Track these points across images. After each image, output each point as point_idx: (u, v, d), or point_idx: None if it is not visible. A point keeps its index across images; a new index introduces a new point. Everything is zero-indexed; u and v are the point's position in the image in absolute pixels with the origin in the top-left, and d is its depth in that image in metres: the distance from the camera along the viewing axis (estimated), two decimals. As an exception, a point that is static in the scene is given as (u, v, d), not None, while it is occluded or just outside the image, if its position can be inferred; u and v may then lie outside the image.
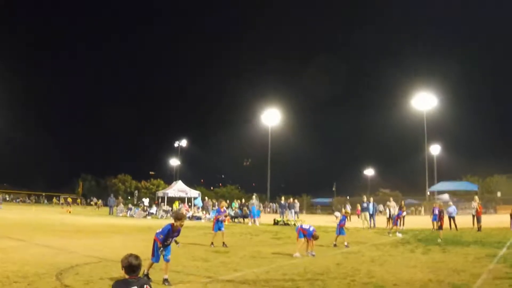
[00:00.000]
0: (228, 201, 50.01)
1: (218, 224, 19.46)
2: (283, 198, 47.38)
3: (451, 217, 32.01)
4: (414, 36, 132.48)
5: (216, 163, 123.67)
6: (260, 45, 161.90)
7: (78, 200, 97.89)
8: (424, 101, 63.47)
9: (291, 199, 47.04)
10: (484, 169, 76.72)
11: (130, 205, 54.81)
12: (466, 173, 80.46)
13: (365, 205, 36.05)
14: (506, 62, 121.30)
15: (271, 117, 68.67)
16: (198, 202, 52.47)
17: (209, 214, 44.41)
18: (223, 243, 18.65)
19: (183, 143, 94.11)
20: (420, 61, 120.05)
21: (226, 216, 40.11)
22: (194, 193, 56.05)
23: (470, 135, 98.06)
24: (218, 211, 20.43)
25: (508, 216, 30.32)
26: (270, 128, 68.28)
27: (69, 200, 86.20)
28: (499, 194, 62.84)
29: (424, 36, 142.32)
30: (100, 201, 79.61)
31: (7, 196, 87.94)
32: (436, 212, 31.65)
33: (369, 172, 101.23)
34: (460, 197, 64.54)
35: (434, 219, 30.94)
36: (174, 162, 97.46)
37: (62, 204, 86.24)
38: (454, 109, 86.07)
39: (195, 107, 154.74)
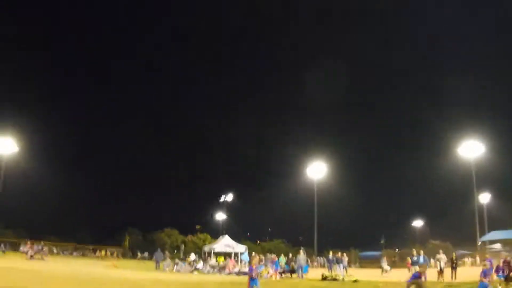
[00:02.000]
0: (274, 256, 49.61)
1: (251, 283, 18.80)
2: (330, 252, 46.70)
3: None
4: (457, 85, 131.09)
5: (261, 217, 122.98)
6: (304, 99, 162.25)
7: (121, 254, 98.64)
8: (471, 149, 62.37)
9: (339, 253, 46.39)
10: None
11: (177, 260, 54.71)
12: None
13: (415, 258, 35.20)
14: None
15: (317, 170, 68.51)
16: (245, 257, 52.16)
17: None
18: None
19: (229, 197, 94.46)
20: (465, 110, 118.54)
21: (268, 272, 39.97)
22: (240, 247, 55.85)
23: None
24: (250, 269, 19.93)
25: None
26: (316, 181, 68.07)
27: (115, 253, 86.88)
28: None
29: (468, 84, 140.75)
30: (146, 254, 79.62)
31: (54, 248, 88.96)
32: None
33: (418, 223, 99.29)
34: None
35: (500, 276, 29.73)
36: (220, 216, 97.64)
37: (107, 256, 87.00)
38: (502, 156, 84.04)
39: (240, 161, 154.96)
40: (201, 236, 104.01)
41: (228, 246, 55.30)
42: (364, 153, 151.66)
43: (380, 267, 49.28)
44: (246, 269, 46.05)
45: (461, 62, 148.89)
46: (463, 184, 71.68)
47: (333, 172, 76.27)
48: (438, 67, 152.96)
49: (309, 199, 69.59)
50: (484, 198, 77.54)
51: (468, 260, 65.18)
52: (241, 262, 52.22)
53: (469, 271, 43.46)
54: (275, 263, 42.46)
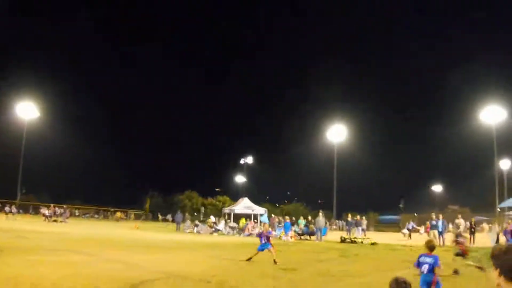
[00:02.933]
0: (294, 218, 50.02)
1: (259, 247, 19.29)
2: (349, 215, 46.91)
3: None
4: (481, 46, 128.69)
5: (281, 180, 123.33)
6: (328, 63, 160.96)
7: (143, 216, 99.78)
8: (493, 114, 61.48)
9: (358, 217, 46.61)
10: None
11: (196, 222, 55.28)
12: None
13: (434, 222, 35.25)
14: None
15: (337, 133, 68.41)
16: (265, 219, 52.50)
17: (275, 231, 44.44)
18: (274, 260, 18.50)
19: (249, 160, 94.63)
20: (488, 72, 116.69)
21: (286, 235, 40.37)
22: (260, 210, 56.19)
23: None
24: (258, 235, 20.42)
25: None
26: (336, 144, 68.05)
27: (132, 216, 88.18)
28: None
29: (493, 45, 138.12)
30: (169, 217, 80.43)
31: (76, 211, 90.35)
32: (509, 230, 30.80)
33: (437, 188, 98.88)
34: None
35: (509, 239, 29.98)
36: (240, 179, 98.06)
37: (125, 218, 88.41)
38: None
39: (260, 124, 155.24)
40: (221, 198, 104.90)
41: (248, 208, 55.61)
42: (384, 117, 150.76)
43: (400, 230, 49.54)
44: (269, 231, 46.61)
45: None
46: (484, 150, 71.24)
47: (354, 136, 76.18)
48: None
49: (329, 162, 69.74)
50: (505, 164, 76.75)
51: (486, 226, 65.02)
52: (260, 223, 52.63)
53: (486, 236, 43.48)
54: (286, 225, 42.71)
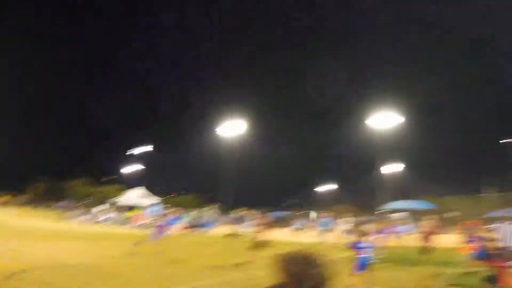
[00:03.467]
0: (175, 209, 49.95)
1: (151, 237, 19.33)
2: (238, 210, 47.33)
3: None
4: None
5: (178, 171, 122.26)
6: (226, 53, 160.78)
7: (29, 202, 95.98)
8: (386, 120, 64.08)
9: (246, 212, 47.09)
10: (442, 189, 77.85)
11: (84, 210, 53.83)
12: (422, 192, 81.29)
13: (322, 220, 36.18)
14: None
15: (234, 127, 68.49)
16: (157, 210, 52.04)
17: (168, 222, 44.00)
18: None
19: (146, 148, 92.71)
20: (385, 81, 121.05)
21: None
22: (153, 200, 55.54)
23: (430, 155, 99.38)
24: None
25: (461, 236, 30.50)
26: (231, 138, 68.27)
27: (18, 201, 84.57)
28: (456, 213, 64.08)
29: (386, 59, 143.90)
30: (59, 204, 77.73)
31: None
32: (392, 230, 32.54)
33: (328, 187, 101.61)
34: (418, 216, 65.34)
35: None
36: (135, 167, 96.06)
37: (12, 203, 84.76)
38: (417, 128, 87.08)
39: (161, 112, 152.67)
40: (114, 186, 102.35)
41: (142, 197, 54.83)
42: (280, 114, 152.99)
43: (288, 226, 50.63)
44: (157, 222, 46.17)
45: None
46: (374, 152, 73.82)
47: (251, 131, 76.74)
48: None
49: (226, 155, 69.91)
50: (394, 168, 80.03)
51: (370, 226, 67.65)
52: (153, 214, 51.99)
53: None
54: (177, 218, 42.54)
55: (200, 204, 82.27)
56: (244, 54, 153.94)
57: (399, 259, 22.60)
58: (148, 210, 52.21)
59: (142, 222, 43.62)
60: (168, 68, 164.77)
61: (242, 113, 73.60)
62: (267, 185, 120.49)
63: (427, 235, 31.40)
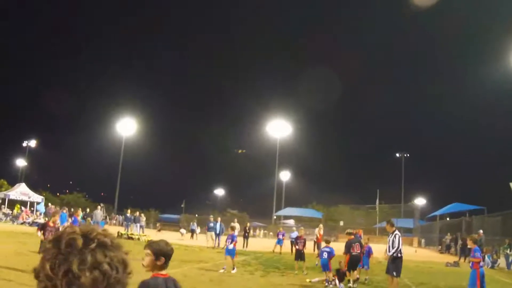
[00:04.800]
0: (72, 210, 48.14)
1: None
2: (129, 211, 46.39)
3: (293, 242, 32.90)
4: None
5: (65, 168, 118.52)
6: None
7: None
8: (278, 128, 65.09)
9: (138, 213, 46.13)
10: (329, 199, 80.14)
11: None
12: (313, 201, 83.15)
13: (211, 224, 35.93)
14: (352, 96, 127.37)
15: (126, 126, 66.93)
16: (41, 207, 49.97)
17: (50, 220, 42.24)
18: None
19: (32, 143, 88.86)
20: (275, 92, 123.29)
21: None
22: (37, 197, 53.32)
23: (318, 165, 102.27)
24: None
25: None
26: (124, 137, 66.71)
27: None
28: (341, 223, 65.99)
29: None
30: None
31: None
32: (281, 236, 33.01)
33: (219, 192, 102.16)
34: (305, 223, 66.80)
35: (278, 243, 32.28)
36: (20, 162, 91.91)
37: None
38: (306, 138, 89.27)
39: (47, 106, 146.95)
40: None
41: (25, 194, 52.39)
42: (176, 115, 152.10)
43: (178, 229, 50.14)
44: (41, 220, 44.15)
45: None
46: (267, 160, 74.89)
47: (144, 131, 75.61)
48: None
49: (117, 156, 68.35)
50: (285, 176, 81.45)
51: (261, 232, 68.56)
52: (36, 212, 49.87)
53: (260, 242, 45.81)
54: (62, 216, 40.94)
55: (89, 203, 79.98)
56: (138, 54, 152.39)
57: (292, 264, 22.68)
58: (38, 207, 50.08)
59: (29, 219, 41.74)
60: (56, 62, 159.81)
61: (138, 113, 72.39)
62: (163, 187, 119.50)
63: (317, 242, 32.06)
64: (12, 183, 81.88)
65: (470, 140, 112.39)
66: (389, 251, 14.40)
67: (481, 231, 33.29)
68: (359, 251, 16.39)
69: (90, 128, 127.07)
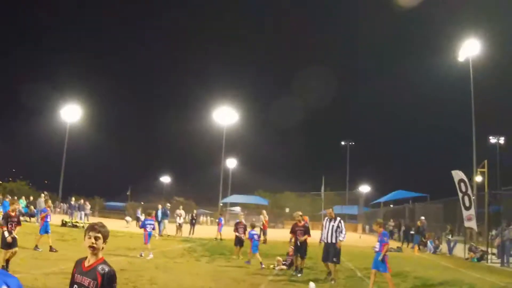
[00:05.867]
0: (16, 198, 47.09)
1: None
2: (73, 198, 45.86)
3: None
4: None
5: (7, 156, 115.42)
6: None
7: None
8: (225, 116, 65.17)
9: (82, 201, 45.61)
10: (275, 186, 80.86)
11: None
12: (259, 188, 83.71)
13: (159, 212, 35.82)
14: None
15: (70, 112, 65.36)
16: None
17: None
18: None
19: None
20: (224, 79, 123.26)
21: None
22: None
23: (264, 153, 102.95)
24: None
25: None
26: (68, 124, 65.23)
27: None
28: (287, 210, 66.83)
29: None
30: None
31: None
32: (222, 222, 33.54)
33: (166, 179, 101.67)
34: (251, 210, 67.35)
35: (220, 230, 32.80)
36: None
37: None
38: (252, 126, 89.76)
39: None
40: None
41: None
42: (122, 102, 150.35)
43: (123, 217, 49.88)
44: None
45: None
46: (213, 148, 74.89)
47: (89, 117, 74.35)
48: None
49: (61, 143, 66.95)
50: (231, 163, 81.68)
51: (207, 218, 68.86)
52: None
53: (207, 228, 46.10)
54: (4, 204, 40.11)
55: (33, 191, 78.36)
56: (84, 39, 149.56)
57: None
58: None
59: None
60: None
61: (84, 99, 71.16)
62: (108, 174, 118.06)
63: (263, 229, 32.55)
64: None
65: (415, 130, 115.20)
66: (333, 238, 14.72)
67: (422, 217, 34.32)
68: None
69: (32, 114, 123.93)
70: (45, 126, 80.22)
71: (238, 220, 23.45)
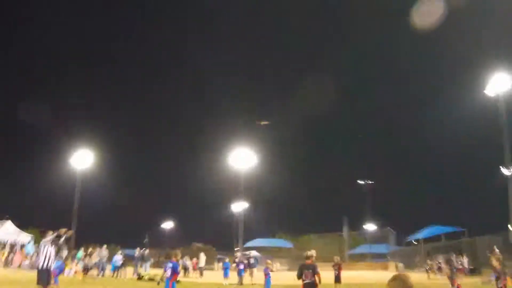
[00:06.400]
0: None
1: None
2: (138, 249, 45.20)
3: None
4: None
5: (18, 202, 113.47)
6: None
7: None
8: (242, 158, 63.70)
9: (147, 251, 45.29)
10: (294, 228, 79.36)
11: None
12: (279, 230, 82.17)
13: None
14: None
15: (82, 159, 63.86)
16: (30, 248, 45.20)
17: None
18: None
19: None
20: (239, 121, 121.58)
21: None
22: (25, 236, 49.39)
23: (280, 195, 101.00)
24: None
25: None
26: (79, 170, 63.65)
27: None
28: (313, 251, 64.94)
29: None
30: None
31: None
32: (241, 266, 32.50)
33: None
34: (273, 254, 65.65)
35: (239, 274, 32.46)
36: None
37: None
38: (271, 169, 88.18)
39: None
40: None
41: (11, 234, 48.57)
42: (136, 145, 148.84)
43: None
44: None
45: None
46: (231, 191, 73.34)
47: (101, 163, 72.89)
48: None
49: (70, 187, 65.51)
50: (243, 206, 79.64)
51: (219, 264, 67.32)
52: (31, 253, 44.96)
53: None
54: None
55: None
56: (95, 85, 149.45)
57: None
58: (26, 248, 46.20)
59: (26, 262, 39.26)
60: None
61: (94, 144, 69.86)
62: (122, 221, 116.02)
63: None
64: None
65: (431, 169, 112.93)
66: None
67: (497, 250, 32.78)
68: (311, 279, 14.39)
69: (41, 162, 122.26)
70: (54, 173, 78.76)
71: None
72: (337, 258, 25.63)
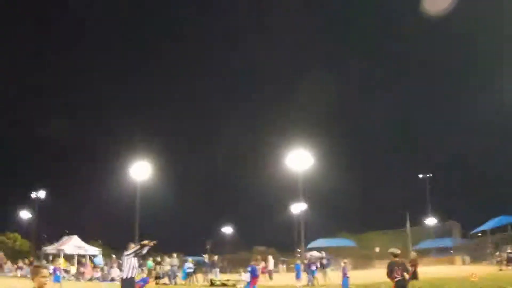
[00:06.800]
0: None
1: None
2: (206, 256, 45.79)
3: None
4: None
5: (77, 217, 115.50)
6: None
7: None
8: (300, 160, 63.15)
9: (216, 257, 45.68)
10: (354, 226, 79.11)
11: (20, 264, 47.83)
12: (341, 229, 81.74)
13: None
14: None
15: (141, 170, 64.53)
16: (99, 260, 46.70)
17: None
18: None
19: (41, 193, 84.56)
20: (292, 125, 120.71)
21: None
22: (93, 250, 51.40)
23: (336, 193, 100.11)
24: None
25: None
26: (139, 182, 64.37)
27: None
28: (377, 249, 64.49)
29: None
30: None
31: None
32: (313, 267, 32.91)
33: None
34: (337, 253, 65.20)
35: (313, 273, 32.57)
36: (25, 214, 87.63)
37: None
38: (327, 169, 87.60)
39: (54, 155, 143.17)
40: (11, 235, 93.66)
41: (80, 247, 50.40)
42: (191, 156, 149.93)
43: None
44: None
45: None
46: (285, 193, 73.25)
47: (159, 173, 73.65)
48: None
49: (132, 201, 66.35)
50: (300, 207, 79.29)
51: (283, 266, 66.98)
52: (101, 265, 46.61)
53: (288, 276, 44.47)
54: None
55: (109, 250, 77.68)
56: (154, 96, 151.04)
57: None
58: (96, 260, 47.77)
59: (97, 275, 40.38)
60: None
61: (152, 155, 70.58)
62: (182, 229, 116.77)
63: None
64: (25, 237, 79.59)
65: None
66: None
67: None
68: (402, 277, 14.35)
69: (100, 174, 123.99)
70: (113, 186, 79.69)
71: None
72: (413, 254, 25.42)
